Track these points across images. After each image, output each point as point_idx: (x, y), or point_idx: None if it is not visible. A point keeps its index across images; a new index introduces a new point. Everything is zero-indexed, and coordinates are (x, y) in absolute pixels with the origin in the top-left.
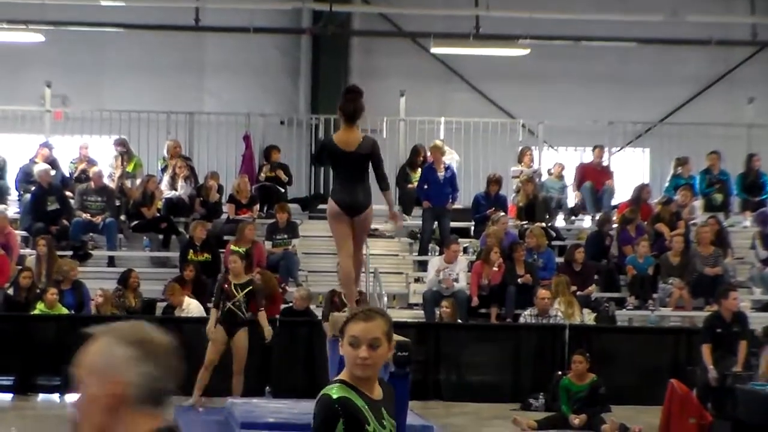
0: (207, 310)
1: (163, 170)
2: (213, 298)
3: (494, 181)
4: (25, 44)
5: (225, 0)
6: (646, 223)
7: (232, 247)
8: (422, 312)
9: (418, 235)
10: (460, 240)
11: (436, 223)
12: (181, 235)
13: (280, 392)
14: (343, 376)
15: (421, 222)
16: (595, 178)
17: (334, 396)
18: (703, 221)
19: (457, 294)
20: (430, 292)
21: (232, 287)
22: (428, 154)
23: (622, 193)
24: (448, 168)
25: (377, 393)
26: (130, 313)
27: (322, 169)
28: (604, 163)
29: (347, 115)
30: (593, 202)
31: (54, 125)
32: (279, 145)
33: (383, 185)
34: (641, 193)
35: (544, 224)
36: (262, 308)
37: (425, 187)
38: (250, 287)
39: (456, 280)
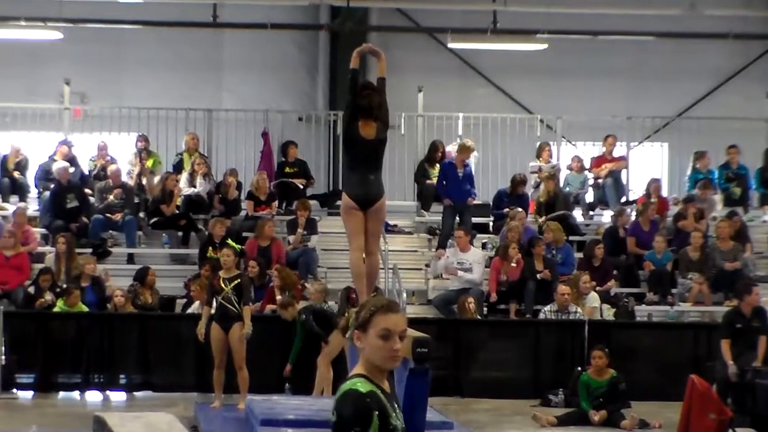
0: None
1: (175, 166)
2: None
3: (520, 182)
4: (44, 42)
5: None
6: (660, 217)
7: (229, 242)
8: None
9: (437, 231)
10: (479, 236)
11: (457, 219)
12: (200, 232)
13: (300, 389)
14: (360, 370)
15: (440, 218)
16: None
17: (363, 390)
18: (722, 216)
19: (472, 290)
20: (443, 293)
21: (221, 281)
22: (447, 150)
23: (640, 188)
24: (466, 165)
25: (387, 386)
26: (146, 310)
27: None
28: (616, 154)
29: (362, 110)
30: (616, 194)
31: (73, 123)
32: (297, 142)
33: None
34: (650, 189)
35: (562, 214)
36: (248, 304)
37: (444, 183)
38: (238, 280)
39: (469, 269)
